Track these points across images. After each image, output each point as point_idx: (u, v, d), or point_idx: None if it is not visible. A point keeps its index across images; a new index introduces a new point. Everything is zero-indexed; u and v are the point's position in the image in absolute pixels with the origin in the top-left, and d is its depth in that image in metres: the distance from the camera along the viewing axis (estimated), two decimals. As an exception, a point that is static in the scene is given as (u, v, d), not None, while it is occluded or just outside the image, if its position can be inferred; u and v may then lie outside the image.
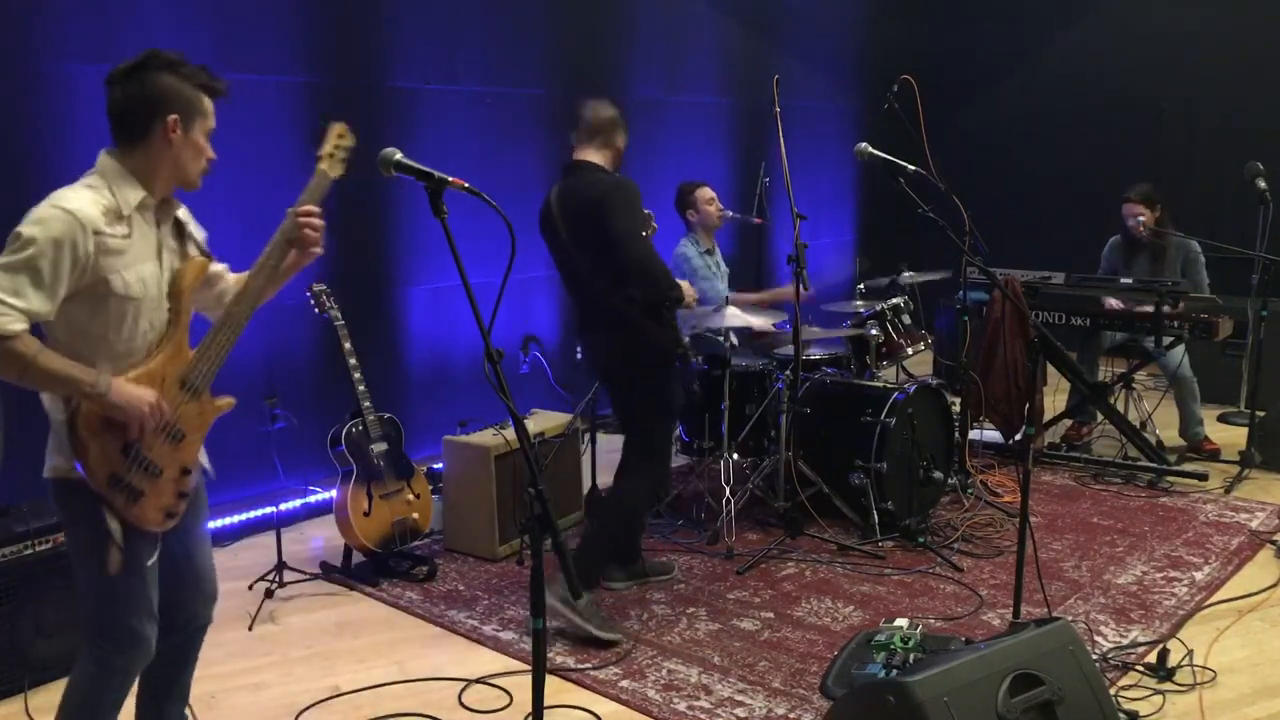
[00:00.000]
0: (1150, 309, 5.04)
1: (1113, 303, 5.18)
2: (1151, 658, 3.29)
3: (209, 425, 2.39)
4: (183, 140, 2.22)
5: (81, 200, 2.12)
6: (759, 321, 4.52)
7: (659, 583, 3.96)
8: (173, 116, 2.20)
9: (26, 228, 2.06)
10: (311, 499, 4.75)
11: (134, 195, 2.19)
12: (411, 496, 4.12)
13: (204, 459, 2.45)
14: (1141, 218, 5.34)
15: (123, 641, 2.29)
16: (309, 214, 2.34)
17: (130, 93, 2.19)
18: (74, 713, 2.35)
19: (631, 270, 3.47)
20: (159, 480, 2.23)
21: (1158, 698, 3.10)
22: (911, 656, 2.86)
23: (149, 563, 2.27)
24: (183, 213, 2.37)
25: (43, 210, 2.09)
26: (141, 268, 2.20)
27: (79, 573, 2.28)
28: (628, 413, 3.78)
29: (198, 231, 2.42)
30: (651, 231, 3.85)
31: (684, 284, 3.72)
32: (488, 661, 3.43)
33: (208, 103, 2.27)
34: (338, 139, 2.43)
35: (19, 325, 2.03)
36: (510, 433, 4.22)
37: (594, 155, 3.62)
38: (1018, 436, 5.05)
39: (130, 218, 2.18)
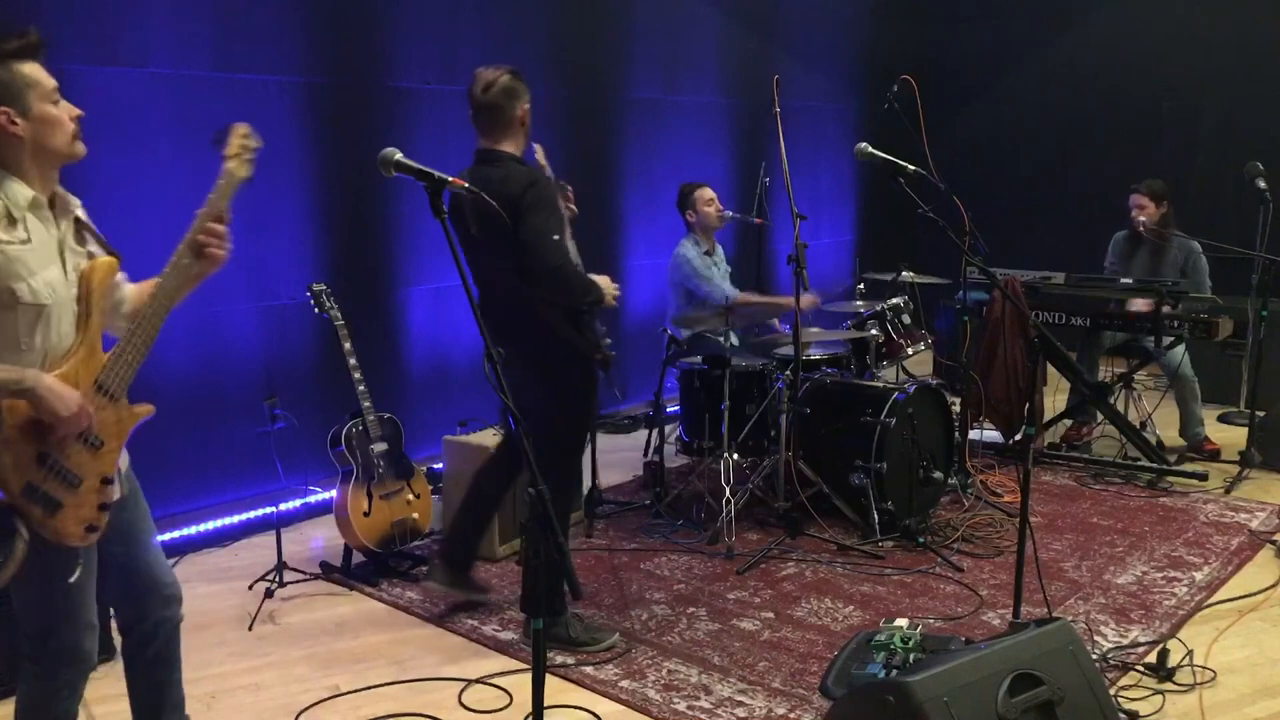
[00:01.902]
0: (1147, 308, 5.05)
1: (1138, 304, 5.08)
2: (1151, 658, 3.29)
3: (128, 433, 2.24)
4: (29, 125, 2.03)
5: None
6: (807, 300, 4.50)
7: (476, 599, 3.81)
8: (3, 110, 2.01)
9: None
10: (311, 499, 4.75)
11: (22, 194, 2.05)
12: (411, 496, 4.12)
13: (125, 465, 2.33)
14: (1145, 213, 5.35)
15: (61, 658, 2.22)
16: (211, 227, 2.20)
17: None
18: None
19: (541, 273, 3.22)
20: (78, 491, 2.11)
21: (1158, 698, 3.09)
22: (911, 656, 2.85)
23: (71, 580, 2.14)
24: (81, 211, 2.23)
25: None
26: (47, 272, 2.06)
27: (16, 592, 2.18)
28: (538, 414, 3.38)
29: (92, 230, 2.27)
30: (573, 219, 3.57)
31: (602, 280, 3.44)
32: (488, 661, 3.43)
33: (31, 68, 2.05)
34: (242, 139, 2.27)
35: None
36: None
37: (500, 140, 3.29)
38: (1018, 436, 5.05)
39: (24, 220, 2.04)
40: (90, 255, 2.21)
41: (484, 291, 3.44)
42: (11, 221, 2.02)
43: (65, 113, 2.10)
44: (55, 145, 2.08)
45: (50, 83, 2.08)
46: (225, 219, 2.23)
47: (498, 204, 3.07)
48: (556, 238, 3.22)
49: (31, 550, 2.05)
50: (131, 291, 2.35)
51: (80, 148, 2.14)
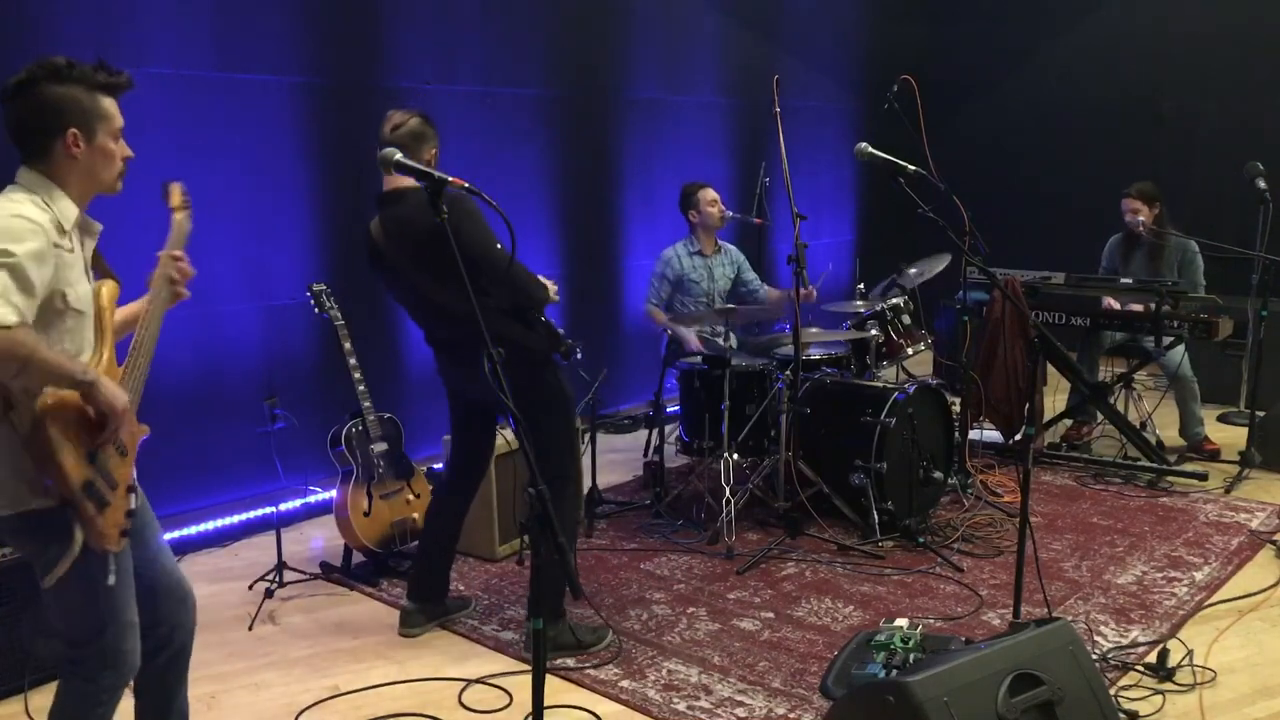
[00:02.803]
0: (1142, 308, 5.05)
1: (1109, 302, 5.20)
2: (1151, 658, 3.29)
3: (137, 447, 2.33)
4: (88, 152, 2.16)
5: (33, 212, 2.07)
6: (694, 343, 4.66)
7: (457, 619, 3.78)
8: (72, 130, 2.13)
9: (2, 242, 1.99)
10: (311, 499, 4.75)
11: (70, 210, 2.16)
12: (411, 496, 4.12)
13: (134, 478, 2.38)
14: (1140, 215, 5.35)
15: (105, 659, 2.26)
16: (179, 268, 2.37)
17: (20, 112, 2.12)
18: None
19: (500, 283, 3.25)
20: (116, 494, 2.19)
21: (1158, 698, 3.09)
22: (911, 656, 2.85)
23: (108, 582, 2.21)
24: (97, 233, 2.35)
25: (6, 222, 2.02)
26: (81, 285, 2.18)
27: (55, 599, 2.23)
28: (534, 430, 3.49)
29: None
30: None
31: (544, 280, 3.47)
32: (488, 661, 3.43)
33: (107, 103, 2.19)
34: (183, 194, 2.47)
35: (16, 317, 1.96)
36: (510, 433, 4.22)
37: (405, 180, 3.24)
38: (1018, 436, 5.05)
39: (70, 232, 2.15)
40: (96, 277, 2.32)
41: (428, 313, 3.50)
42: (62, 231, 2.13)
43: (120, 151, 2.23)
44: (103, 178, 2.22)
45: (119, 122, 2.22)
46: (183, 259, 2.39)
47: (425, 234, 3.13)
48: (500, 245, 3.25)
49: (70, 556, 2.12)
50: (119, 314, 2.44)
51: (120, 186, 2.27)
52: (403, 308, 3.64)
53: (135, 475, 2.36)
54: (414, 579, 3.73)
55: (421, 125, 3.32)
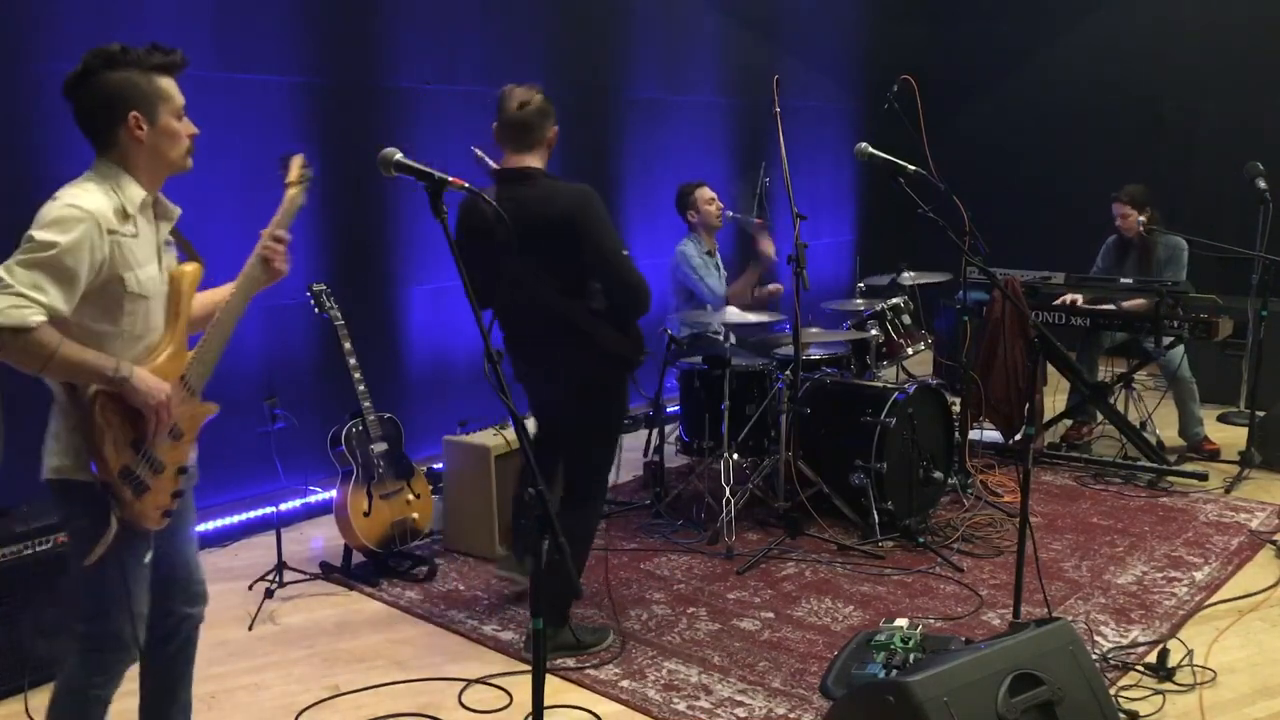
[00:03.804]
0: (1118, 308, 5.09)
1: (1070, 298, 5.31)
2: (1151, 658, 3.29)
3: (199, 428, 2.42)
4: (152, 133, 2.21)
5: (95, 199, 2.12)
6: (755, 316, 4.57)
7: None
8: (133, 114, 2.17)
9: (45, 230, 2.05)
10: (311, 499, 4.75)
11: (136, 194, 2.21)
12: (411, 496, 4.12)
13: (193, 457, 2.46)
14: (1128, 220, 5.35)
15: (108, 641, 2.30)
16: (274, 245, 2.40)
17: (84, 102, 2.18)
18: (62, 712, 2.35)
19: (617, 287, 3.25)
20: (160, 477, 2.25)
21: (1158, 698, 3.10)
22: (911, 656, 2.85)
23: (145, 560, 2.28)
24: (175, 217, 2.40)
25: (59, 210, 2.08)
26: (148, 267, 2.23)
27: (75, 572, 2.28)
28: (576, 431, 3.45)
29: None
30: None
31: None
32: (488, 661, 3.43)
33: (165, 83, 2.23)
34: (302, 168, 2.50)
35: (39, 317, 2.02)
36: (510, 433, 4.22)
37: (530, 158, 3.28)
38: (1018, 436, 5.05)
39: (135, 216, 2.20)
40: (179, 260, 2.38)
41: (517, 306, 3.28)
42: (125, 216, 2.18)
43: (185, 129, 2.27)
44: (170, 157, 2.26)
45: (180, 100, 2.25)
46: (286, 238, 2.43)
47: (544, 222, 3.12)
48: (626, 252, 3.26)
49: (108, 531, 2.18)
50: (198, 299, 2.49)
51: (189, 163, 2.30)
52: (483, 298, 3.30)
53: (194, 456, 2.44)
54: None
55: (546, 103, 3.31)
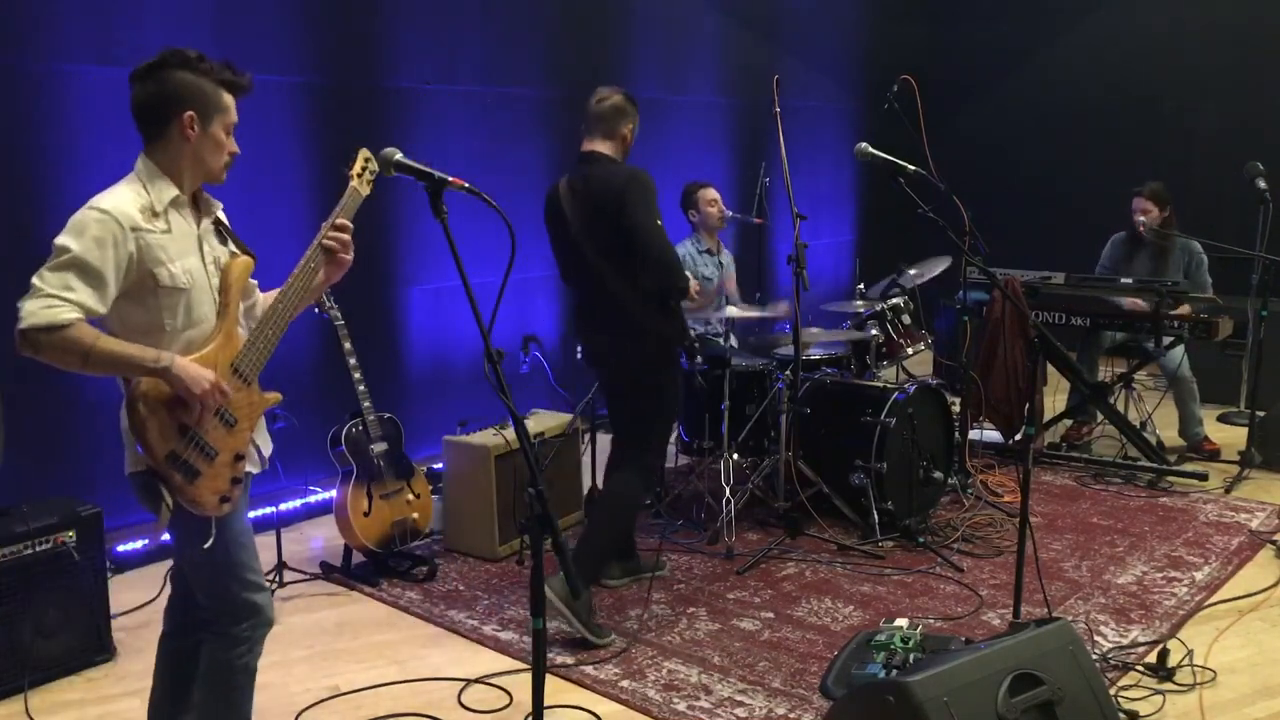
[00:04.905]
0: (1142, 307, 5.06)
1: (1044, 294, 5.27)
2: (1151, 658, 3.29)
3: (258, 415, 2.47)
4: (201, 136, 2.28)
5: (118, 199, 2.19)
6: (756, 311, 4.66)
7: (654, 578, 3.96)
8: (189, 113, 2.25)
9: (64, 235, 2.12)
10: (311, 499, 4.75)
11: (166, 192, 2.27)
12: (411, 496, 4.12)
13: (267, 447, 2.54)
14: (1149, 215, 5.34)
15: (238, 612, 2.41)
16: (339, 229, 2.48)
17: (148, 90, 2.25)
18: (212, 686, 2.47)
19: (648, 260, 3.47)
20: (214, 463, 2.29)
21: (1158, 698, 3.10)
22: (911, 656, 2.85)
23: (205, 546, 2.32)
24: (221, 213, 2.46)
25: (79, 215, 2.15)
26: (186, 260, 2.28)
27: (183, 561, 2.42)
28: (629, 408, 3.77)
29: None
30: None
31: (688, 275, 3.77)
32: (488, 661, 3.43)
33: (227, 98, 2.32)
34: (365, 161, 2.56)
35: (72, 314, 2.08)
36: (510, 433, 4.22)
37: (602, 145, 3.61)
38: (1018, 436, 5.05)
39: (165, 213, 2.25)
40: (232, 253, 2.45)
41: (581, 289, 3.73)
42: (154, 214, 2.24)
43: (229, 145, 2.35)
44: (210, 165, 2.33)
45: (234, 117, 2.35)
46: (348, 228, 2.50)
47: (601, 197, 3.47)
48: (660, 223, 3.48)
49: (176, 517, 2.26)
50: (262, 298, 2.60)
51: (224, 177, 2.38)
52: (564, 276, 3.78)
53: (264, 443, 2.51)
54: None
55: (624, 102, 3.62)
